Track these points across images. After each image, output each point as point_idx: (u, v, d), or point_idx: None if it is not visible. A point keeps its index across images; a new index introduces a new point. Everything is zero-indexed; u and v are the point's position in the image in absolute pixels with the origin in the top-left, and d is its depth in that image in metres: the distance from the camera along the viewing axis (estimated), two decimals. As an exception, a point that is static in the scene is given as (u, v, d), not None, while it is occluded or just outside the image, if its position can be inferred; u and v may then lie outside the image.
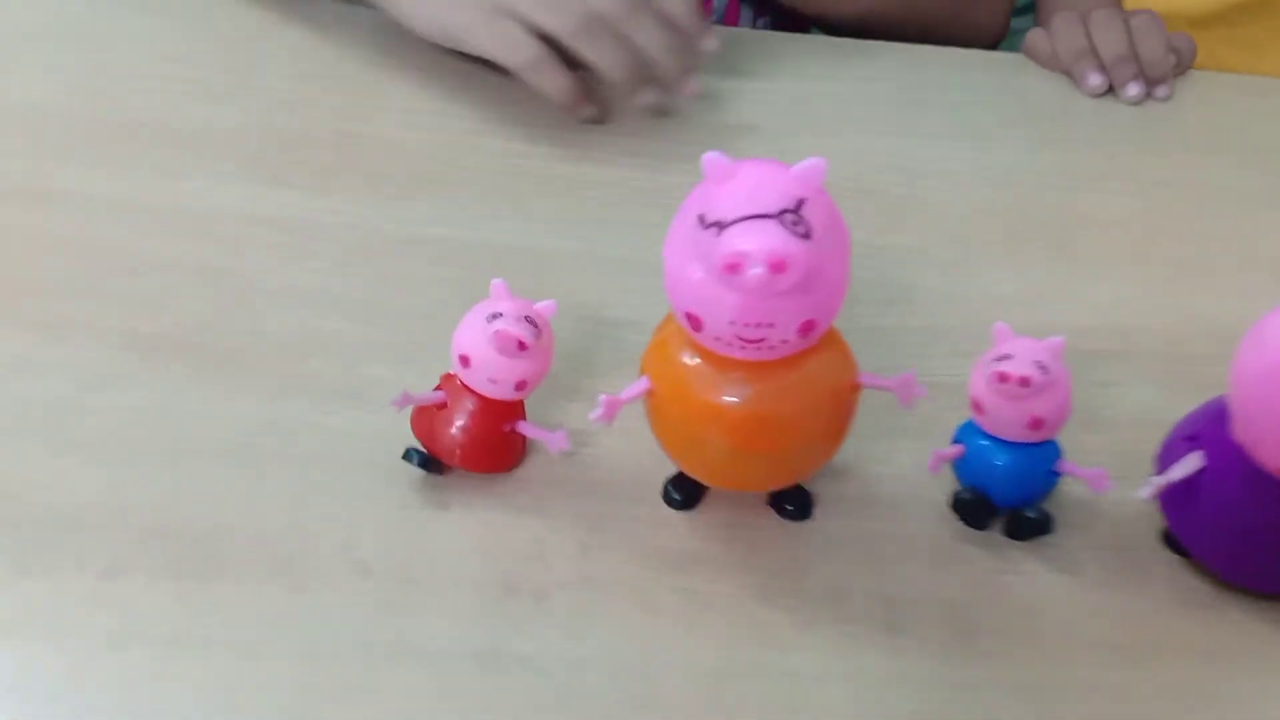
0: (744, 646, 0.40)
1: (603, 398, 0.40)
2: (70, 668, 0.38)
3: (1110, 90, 0.73)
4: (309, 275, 0.54)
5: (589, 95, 0.64)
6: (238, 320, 0.51)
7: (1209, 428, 0.42)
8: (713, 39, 0.66)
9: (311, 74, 0.68)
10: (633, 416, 0.42)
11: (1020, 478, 0.43)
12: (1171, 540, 0.44)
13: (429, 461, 0.44)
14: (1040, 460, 0.43)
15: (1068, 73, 0.74)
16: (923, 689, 0.39)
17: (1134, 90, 0.72)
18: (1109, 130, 0.71)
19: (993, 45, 0.87)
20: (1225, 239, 0.62)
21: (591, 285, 0.54)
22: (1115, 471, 0.43)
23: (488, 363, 0.41)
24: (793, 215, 0.34)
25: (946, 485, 0.46)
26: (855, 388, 0.41)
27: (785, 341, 0.37)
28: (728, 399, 0.39)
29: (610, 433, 0.47)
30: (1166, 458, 0.43)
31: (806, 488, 0.45)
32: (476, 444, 0.43)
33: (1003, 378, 0.41)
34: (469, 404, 0.43)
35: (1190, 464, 0.41)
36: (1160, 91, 0.73)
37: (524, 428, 0.44)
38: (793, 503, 0.44)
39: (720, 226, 0.35)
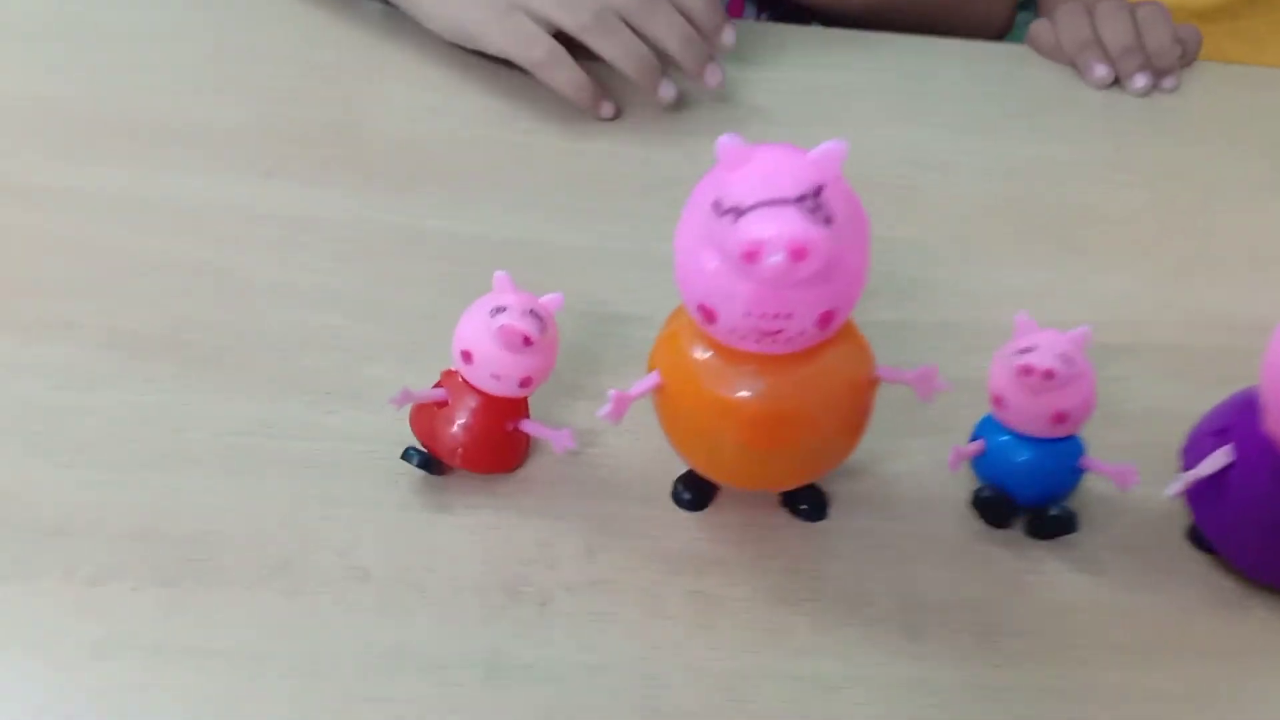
0: (760, 652, 0.39)
1: (612, 393, 0.38)
2: (55, 678, 0.36)
3: (1116, 82, 0.72)
4: (305, 271, 0.52)
5: (606, 91, 0.64)
6: (231, 317, 0.49)
7: (1238, 421, 0.40)
8: (731, 33, 0.66)
9: (308, 67, 0.67)
10: (640, 414, 0.41)
11: (1043, 474, 0.42)
12: (1197, 537, 0.43)
13: (429, 462, 0.42)
14: (1063, 456, 0.42)
15: (1073, 64, 0.73)
16: (947, 694, 0.38)
17: (1141, 81, 0.71)
18: (1115, 122, 0.70)
19: (997, 40, 0.86)
20: (1236, 231, 0.61)
21: (594, 279, 0.53)
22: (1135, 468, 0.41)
23: (491, 358, 0.40)
24: (812, 200, 0.33)
25: (963, 483, 0.44)
26: (873, 382, 0.39)
27: (803, 333, 0.35)
28: (741, 394, 0.37)
29: (616, 431, 0.45)
30: (1193, 453, 0.42)
31: (821, 487, 0.43)
32: (479, 443, 0.42)
33: (1027, 370, 0.39)
34: (471, 401, 0.41)
35: (1219, 459, 0.40)
36: (1167, 83, 0.72)
37: (528, 426, 0.43)
38: (807, 502, 0.43)
39: (737, 213, 0.33)
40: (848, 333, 0.39)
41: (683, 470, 0.43)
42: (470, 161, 0.61)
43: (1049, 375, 0.39)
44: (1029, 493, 0.42)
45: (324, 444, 0.44)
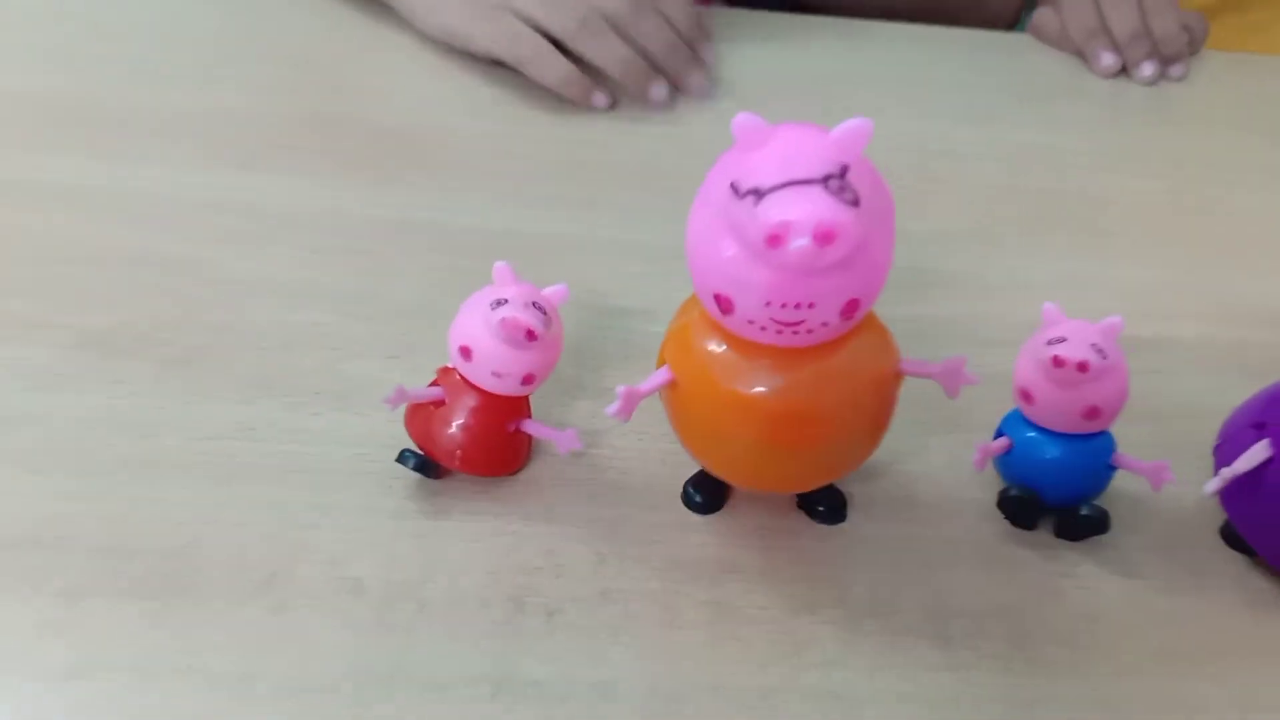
0: (782, 665, 0.36)
1: (620, 390, 0.36)
2: (26, 701, 0.33)
3: (1123, 70, 0.70)
4: (287, 265, 0.50)
5: (598, 82, 0.63)
6: (206, 314, 0.47)
7: (1276, 414, 0.38)
8: (711, 52, 0.67)
9: (287, 57, 0.65)
10: (647, 413, 0.38)
11: (1073, 472, 0.40)
12: (1231, 536, 0.41)
13: (426, 465, 0.40)
14: (1095, 453, 0.39)
15: (1079, 52, 0.72)
16: (981, 707, 0.36)
17: (1148, 70, 0.69)
18: (1122, 111, 0.69)
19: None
20: (1256, 219, 0.60)
21: (592, 271, 0.51)
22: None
23: (492, 354, 0.37)
24: (838, 181, 0.31)
25: (985, 483, 0.42)
26: (897, 376, 0.37)
27: (825, 324, 0.33)
28: (758, 390, 0.35)
29: (622, 431, 0.43)
30: (1227, 448, 0.40)
31: (839, 488, 0.41)
32: (478, 445, 0.39)
33: (1058, 362, 0.37)
34: (470, 400, 0.39)
35: (1257, 453, 0.38)
36: (1175, 70, 0.70)
37: (530, 426, 0.40)
38: (825, 504, 0.41)
39: (758, 194, 0.31)
40: (869, 323, 0.37)
41: (694, 471, 0.41)
42: (453, 152, 0.59)
43: (1082, 368, 0.37)
44: (1058, 492, 0.40)
45: (311, 448, 0.42)
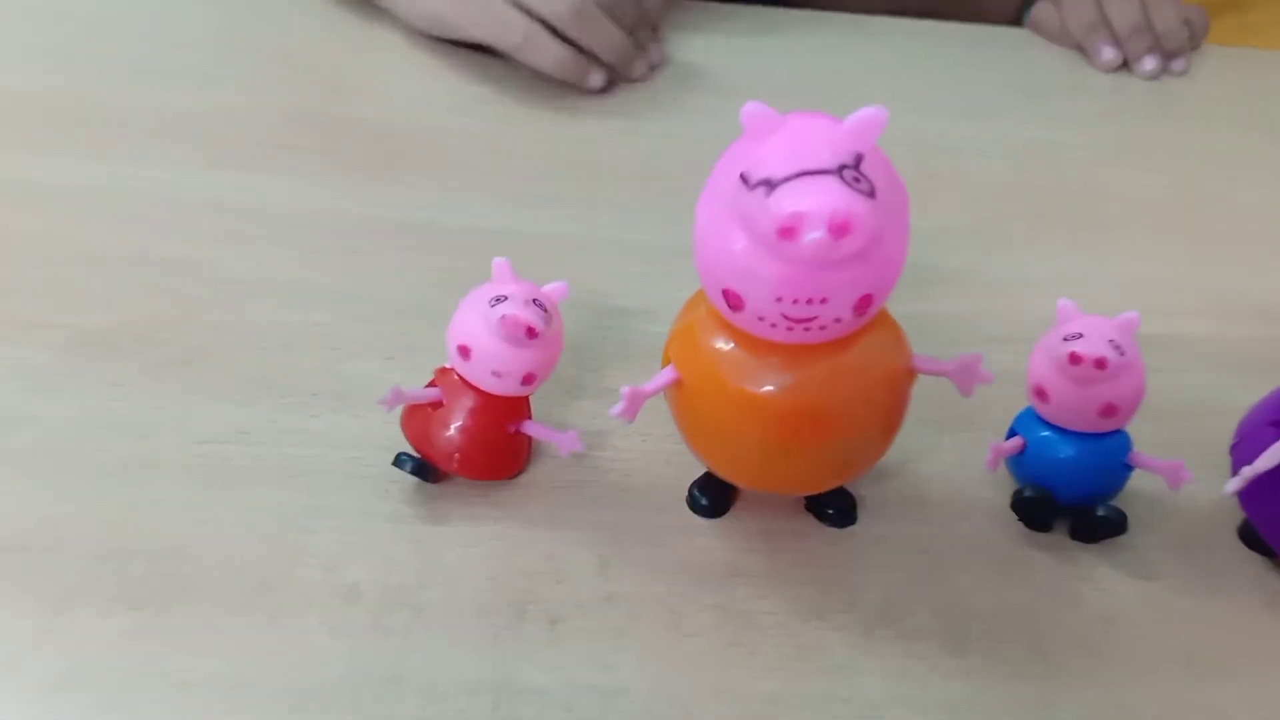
0: (791, 670, 0.35)
1: (625, 390, 0.35)
2: (16, 712, 0.32)
3: (1124, 65, 0.70)
4: (283, 266, 0.49)
5: (592, 61, 0.62)
6: (204, 316, 0.46)
7: (1296, 411, 0.38)
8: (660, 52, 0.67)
9: (279, 52, 0.64)
10: (651, 413, 0.37)
11: (1089, 472, 0.39)
12: (1251, 537, 0.40)
13: (424, 468, 0.38)
14: (1111, 452, 0.39)
15: (1079, 47, 0.71)
16: (997, 714, 0.35)
17: (1150, 64, 0.69)
18: (1123, 106, 0.68)
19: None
20: (1258, 215, 0.59)
21: (592, 272, 0.50)
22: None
23: (491, 353, 0.36)
24: (853, 171, 0.30)
25: (996, 483, 0.42)
26: (910, 373, 0.36)
27: (838, 320, 0.32)
28: (767, 388, 0.34)
29: (625, 432, 0.42)
30: (1245, 446, 0.39)
31: (848, 490, 0.40)
32: (478, 447, 0.38)
33: (1075, 359, 0.36)
34: (469, 401, 0.38)
35: (1278, 452, 0.37)
36: (1176, 65, 0.70)
37: (531, 428, 0.39)
38: (834, 506, 0.40)
39: (770, 185, 0.30)
40: (881, 319, 0.36)
41: (699, 473, 0.40)
42: (450, 150, 0.58)
43: (1100, 364, 0.36)
44: (1073, 492, 0.39)
45: (307, 451, 0.40)
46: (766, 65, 0.68)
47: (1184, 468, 0.38)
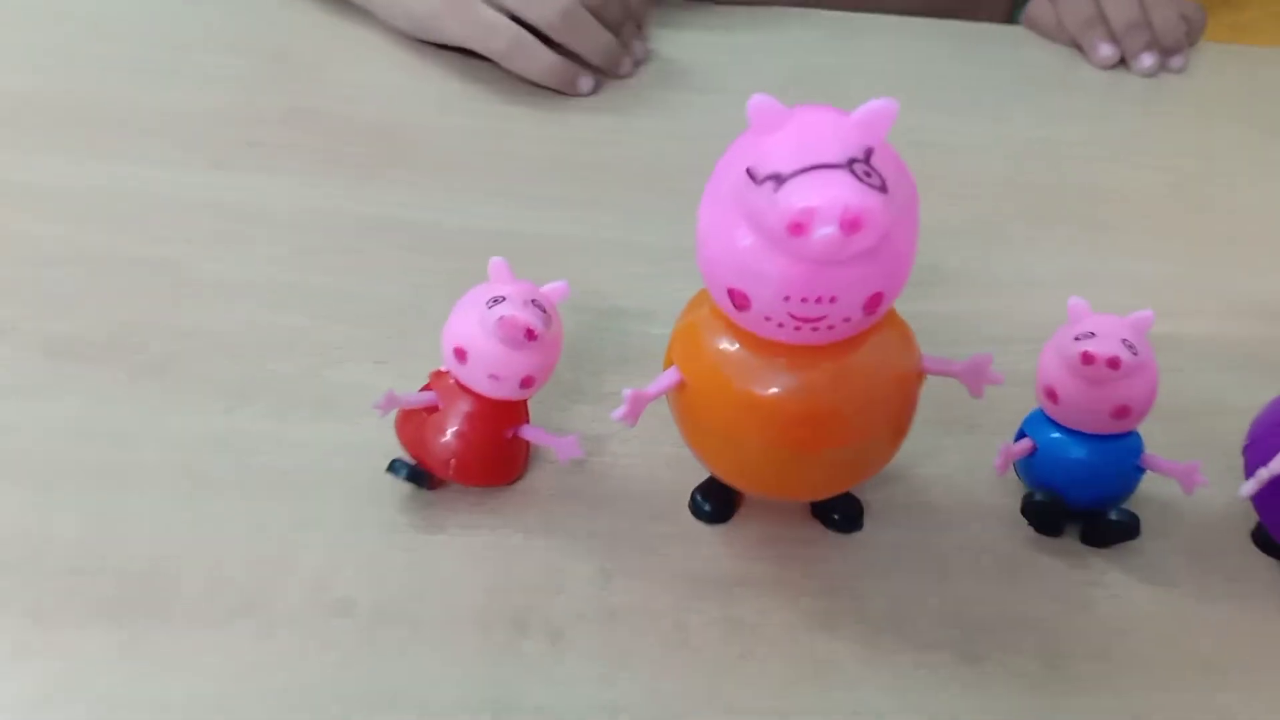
0: (802, 684, 0.34)
1: (627, 393, 0.34)
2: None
3: (1121, 62, 0.69)
4: (264, 267, 0.48)
5: (580, 67, 0.61)
6: (184, 319, 0.45)
7: (1311, 411, 0.37)
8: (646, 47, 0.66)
9: (257, 48, 0.63)
10: (651, 416, 0.36)
11: (1101, 474, 0.38)
12: (1265, 540, 0.39)
13: (418, 475, 0.37)
14: (1123, 454, 0.38)
15: (1075, 43, 0.70)
16: (1012, 726, 0.34)
17: (1148, 61, 0.68)
18: (1120, 103, 0.68)
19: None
20: (1257, 213, 0.59)
21: (592, 273, 0.48)
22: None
23: (488, 356, 0.35)
24: (863, 165, 0.29)
25: (1003, 486, 0.41)
26: (919, 374, 0.35)
27: (847, 320, 0.31)
28: (773, 390, 0.33)
29: (625, 437, 0.41)
30: (1259, 449, 0.38)
31: (855, 495, 0.39)
32: (474, 453, 0.37)
33: (1088, 359, 0.35)
34: (465, 406, 0.37)
35: (1293, 453, 0.36)
36: (1174, 62, 0.69)
37: (529, 433, 0.38)
38: (840, 512, 0.39)
39: (778, 180, 0.29)
40: (889, 319, 0.35)
41: (702, 478, 0.39)
42: (438, 148, 0.57)
43: (1113, 364, 0.35)
44: (1084, 495, 0.38)
45: (293, 459, 0.39)
46: (762, 64, 0.67)
47: (1199, 470, 0.37)
